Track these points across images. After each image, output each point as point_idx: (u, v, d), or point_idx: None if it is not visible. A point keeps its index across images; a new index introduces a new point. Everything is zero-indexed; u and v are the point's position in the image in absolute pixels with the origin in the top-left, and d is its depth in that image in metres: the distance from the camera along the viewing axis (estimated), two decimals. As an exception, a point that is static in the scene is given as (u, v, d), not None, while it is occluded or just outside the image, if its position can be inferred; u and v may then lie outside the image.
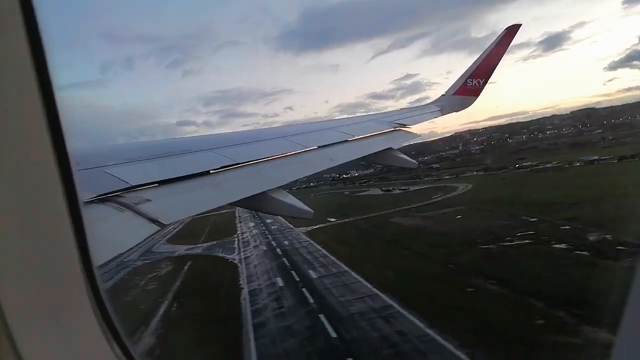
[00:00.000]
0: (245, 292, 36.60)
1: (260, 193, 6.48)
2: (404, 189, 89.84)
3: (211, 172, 6.54)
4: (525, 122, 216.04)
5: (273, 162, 7.85)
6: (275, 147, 8.52)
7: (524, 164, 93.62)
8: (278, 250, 51.13)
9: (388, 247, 46.04)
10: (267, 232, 63.98)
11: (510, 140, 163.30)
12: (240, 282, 40.18)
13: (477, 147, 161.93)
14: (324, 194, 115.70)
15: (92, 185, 4.83)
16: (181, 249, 60.87)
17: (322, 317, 28.09)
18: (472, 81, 17.20)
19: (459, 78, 17.65)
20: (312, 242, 52.74)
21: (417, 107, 17.06)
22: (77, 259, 2.12)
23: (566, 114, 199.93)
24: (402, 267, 37.06)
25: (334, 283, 34.76)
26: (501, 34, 17.02)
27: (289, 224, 67.53)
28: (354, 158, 9.88)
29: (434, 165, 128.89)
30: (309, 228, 59.88)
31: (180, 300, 37.17)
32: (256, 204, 6.60)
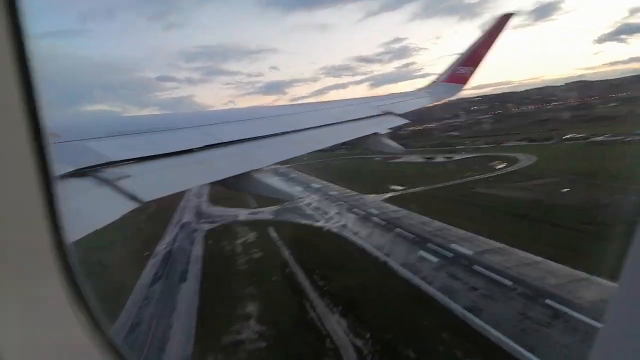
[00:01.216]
0: (396, 266, 29.46)
1: (244, 173, 6.14)
2: (448, 158, 79.88)
3: (195, 150, 6.23)
4: (520, 92, 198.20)
5: (259, 142, 7.45)
6: (262, 128, 8.13)
7: (571, 135, 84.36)
8: (376, 219, 42.56)
9: (525, 222, 36.11)
10: (331, 199, 55.46)
11: (516, 110, 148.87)
12: (376, 255, 32.24)
13: (485, 116, 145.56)
14: (347, 159, 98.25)
15: (72, 159, 4.58)
16: (241, 213, 52.32)
17: (551, 302, 21.76)
18: (462, 68, 16.57)
19: (450, 65, 16.97)
20: (407, 211, 43.84)
21: (406, 92, 16.38)
22: (47, 232, 1.97)
23: (560, 86, 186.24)
24: (593, 249, 26.39)
25: (507, 262, 27.74)
26: (493, 22, 16.27)
27: (350, 191, 58.69)
28: (341, 141, 9.56)
29: (453, 133, 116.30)
30: (382, 196, 52.71)
31: (318, 273, 29.81)
32: (240, 184, 6.21)
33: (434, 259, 29.96)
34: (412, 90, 16.85)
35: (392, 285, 26.70)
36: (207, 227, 47.24)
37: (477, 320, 21.16)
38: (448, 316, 22.13)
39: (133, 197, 4.30)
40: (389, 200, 50.61)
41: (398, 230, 37.95)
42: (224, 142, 6.75)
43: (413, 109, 13.51)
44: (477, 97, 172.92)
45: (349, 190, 59.13)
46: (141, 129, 6.57)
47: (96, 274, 31.65)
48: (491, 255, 29.33)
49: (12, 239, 1.88)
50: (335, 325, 22.59)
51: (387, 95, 15.39)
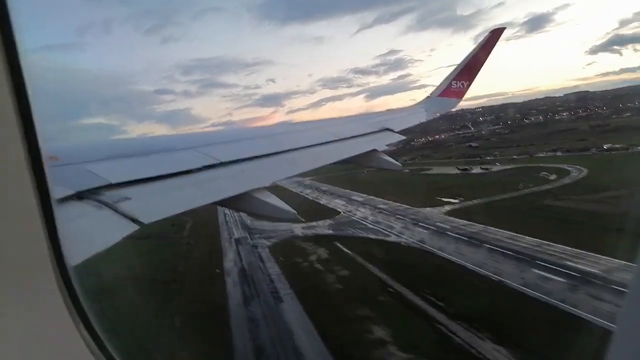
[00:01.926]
0: (519, 287, 24.27)
1: (243, 193, 5.91)
2: (485, 169, 70.47)
3: (193, 170, 6.01)
4: (520, 102, 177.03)
5: (257, 161, 7.18)
6: (260, 147, 7.81)
7: (609, 145, 75.36)
8: (452, 234, 36.10)
9: (628, 236, 25.89)
10: (385, 213, 47.96)
11: (527, 121, 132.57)
12: (484, 273, 26.84)
13: (496, 127, 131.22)
14: (372, 171, 78.82)
15: (71, 182, 4.44)
16: (294, 228, 45.11)
17: None
18: (456, 83, 15.90)
19: (444, 80, 16.32)
20: (483, 226, 36.83)
21: (402, 108, 15.84)
22: (46, 250, 1.87)
23: (560, 96, 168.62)
24: None
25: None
26: (486, 37, 15.72)
27: (399, 204, 50.86)
28: (340, 159, 8.98)
29: (473, 144, 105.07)
30: (441, 209, 45.93)
31: (429, 293, 24.60)
32: (239, 204, 6.01)
33: (560, 279, 24.93)
34: (409, 105, 16.24)
35: (531, 308, 22.06)
36: (266, 242, 41.75)
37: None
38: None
39: (133, 219, 4.16)
40: (451, 213, 44.44)
41: (487, 246, 32.15)
42: (223, 162, 6.53)
43: (410, 125, 12.97)
44: (477, 108, 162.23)
45: (397, 204, 52.08)
46: (139, 150, 6.45)
47: (174, 291, 28.38)
48: (626, 275, 23.60)
49: (14, 262, 1.80)
50: (497, 354, 18.48)
51: (384, 111, 15.06)
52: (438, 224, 40.46)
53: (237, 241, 43.56)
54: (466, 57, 15.95)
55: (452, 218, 42.07)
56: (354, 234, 41.09)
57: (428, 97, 16.50)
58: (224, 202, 5.81)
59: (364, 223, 44.89)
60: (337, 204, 57.17)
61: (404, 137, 11.63)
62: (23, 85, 1.69)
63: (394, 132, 11.44)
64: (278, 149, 7.90)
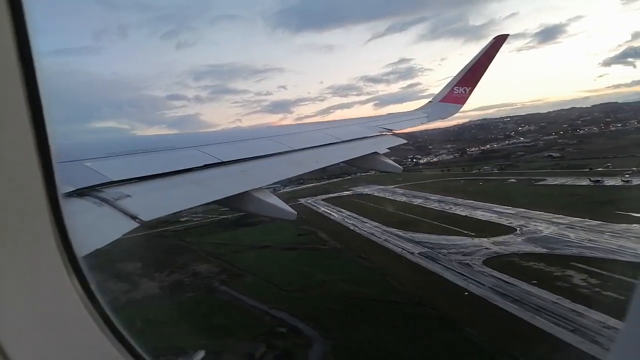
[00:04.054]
0: None
1: (243, 192, 5.47)
2: (627, 181, 53.25)
3: (194, 169, 5.58)
4: (544, 113, 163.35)
5: (258, 161, 6.65)
6: (261, 147, 7.27)
7: None
8: None
9: None
10: (577, 228, 36.23)
11: (581, 131, 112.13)
12: None
13: (552, 137, 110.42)
14: (467, 180, 71.47)
15: (71, 179, 4.05)
16: (479, 243, 35.20)
17: None
18: (458, 89, 15.07)
19: (446, 85, 15.56)
20: None
21: (404, 113, 15.16)
22: (55, 243, 1.78)
23: (588, 107, 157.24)
24: None
25: None
26: (489, 43, 14.86)
27: (580, 218, 38.44)
28: (340, 161, 8.42)
29: (553, 154, 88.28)
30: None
31: None
32: (239, 203, 5.56)
33: None
34: (410, 110, 15.39)
35: None
36: (466, 259, 32.13)
37: None
38: None
39: (133, 217, 3.86)
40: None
41: None
42: (224, 162, 6.06)
43: (411, 129, 12.41)
44: (505, 117, 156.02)
45: (577, 219, 39.01)
46: (140, 148, 6.03)
47: (444, 319, 22.51)
48: None
49: (23, 253, 1.68)
50: None
51: (386, 115, 14.24)
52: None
53: (426, 256, 34.33)
54: (469, 63, 15.09)
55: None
56: (582, 253, 30.26)
57: (430, 102, 15.74)
58: (224, 201, 5.34)
59: (570, 240, 33.93)
60: (488, 216, 45.50)
61: (404, 141, 10.95)
62: (36, 87, 1.58)
63: (395, 135, 10.83)
64: (280, 150, 7.35)
